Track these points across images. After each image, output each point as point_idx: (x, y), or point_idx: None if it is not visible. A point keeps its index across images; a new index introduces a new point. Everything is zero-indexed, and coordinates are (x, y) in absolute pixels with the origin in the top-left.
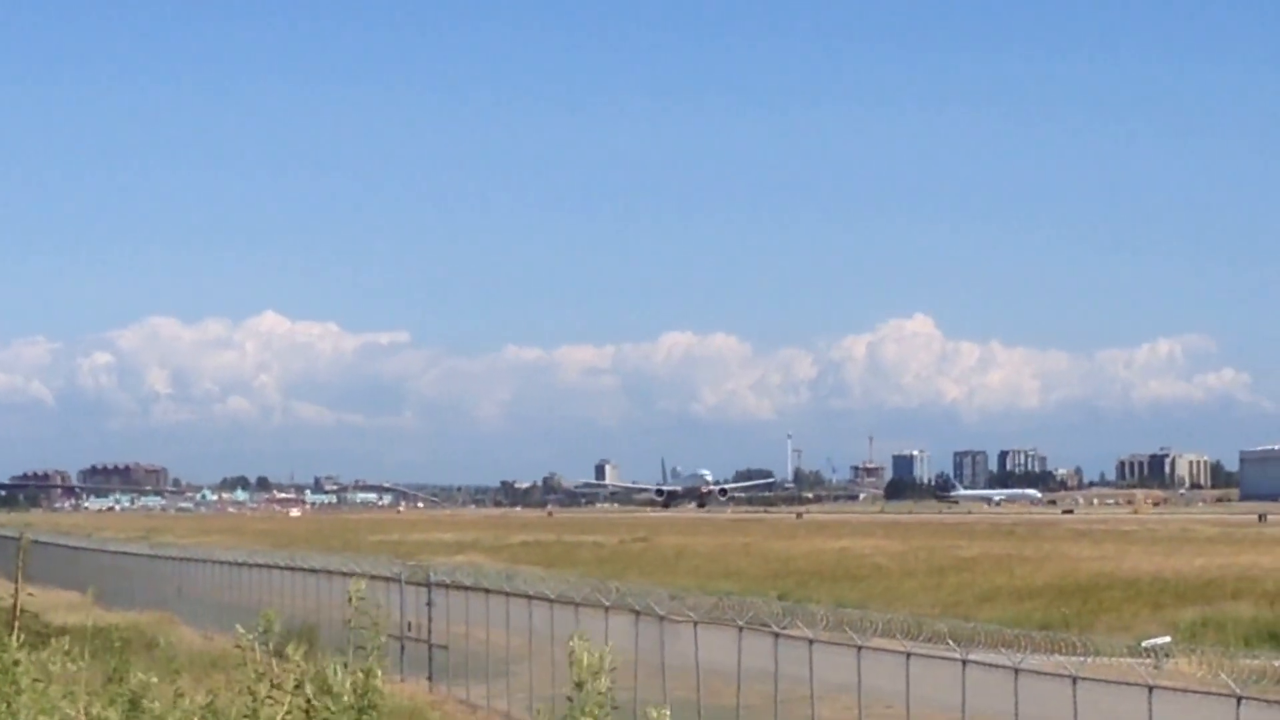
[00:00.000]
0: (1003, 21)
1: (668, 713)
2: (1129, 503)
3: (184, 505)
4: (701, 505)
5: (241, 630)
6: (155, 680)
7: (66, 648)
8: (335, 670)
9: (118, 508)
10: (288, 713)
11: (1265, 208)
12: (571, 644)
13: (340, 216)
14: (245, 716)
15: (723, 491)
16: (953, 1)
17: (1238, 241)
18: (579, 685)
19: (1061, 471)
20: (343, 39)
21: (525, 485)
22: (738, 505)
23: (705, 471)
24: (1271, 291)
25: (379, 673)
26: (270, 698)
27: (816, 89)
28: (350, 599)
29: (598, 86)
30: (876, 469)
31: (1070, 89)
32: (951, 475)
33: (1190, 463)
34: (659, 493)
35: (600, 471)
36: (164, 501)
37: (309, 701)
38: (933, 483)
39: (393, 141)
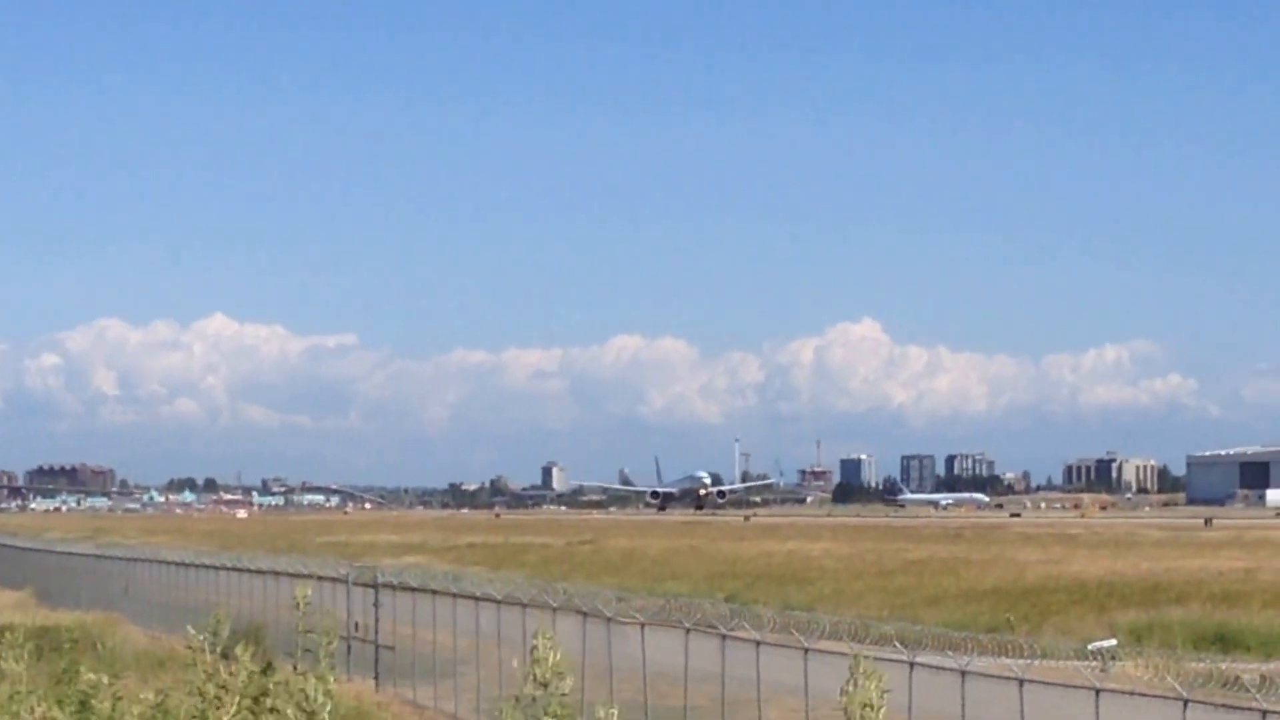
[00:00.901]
0: (950, 31)
1: (615, 712)
2: (1076, 507)
3: (131, 506)
4: (699, 508)
5: (193, 631)
6: (106, 681)
7: (11, 645)
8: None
9: (64, 508)
10: (236, 713)
11: (1212, 214)
12: (535, 641)
13: (288, 219)
14: (194, 717)
15: (721, 494)
16: (901, 11)
17: (1185, 248)
18: (543, 685)
19: (1009, 476)
20: (288, 42)
21: (472, 487)
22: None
23: (703, 473)
24: (1218, 297)
25: (331, 679)
26: (218, 699)
27: (767, 96)
28: (297, 604)
29: (547, 92)
30: (824, 472)
31: (1018, 96)
32: (899, 479)
33: (1137, 467)
34: (654, 495)
35: (547, 474)
36: (111, 502)
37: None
38: (880, 486)
39: (341, 145)
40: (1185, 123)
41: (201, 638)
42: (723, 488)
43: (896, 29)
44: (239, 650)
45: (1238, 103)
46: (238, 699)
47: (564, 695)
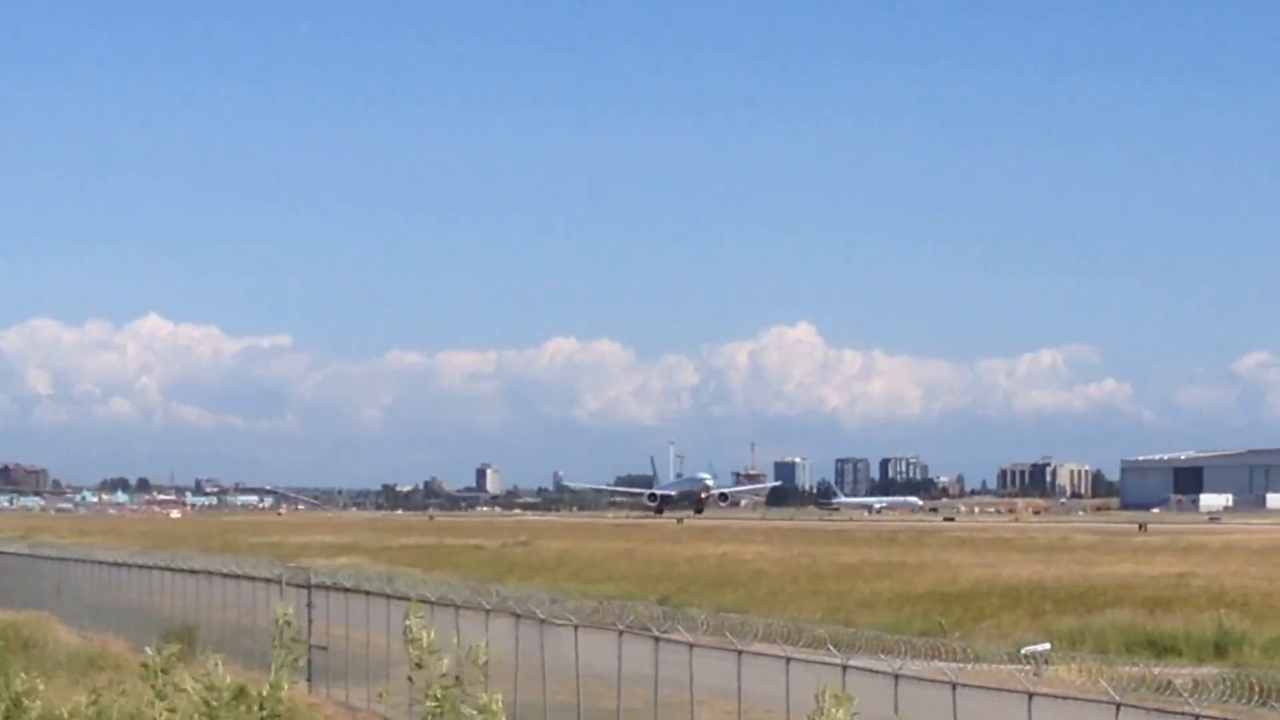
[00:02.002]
0: (885, 34)
1: (499, 697)
2: (1010, 511)
3: (64, 506)
4: (699, 511)
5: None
6: (41, 684)
7: None
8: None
9: None
10: (171, 710)
11: (1148, 219)
12: (408, 621)
13: (223, 220)
14: (131, 716)
15: (723, 496)
16: (836, 14)
17: (1120, 253)
18: (418, 666)
19: (943, 480)
20: (220, 42)
21: (406, 489)
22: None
23: (705, 475)
24: (1153, 303)
25: (285, 685)
26: (152, 701)
27: (703, 99)
28: (278, 621)
29: (479, 93)
30: (758, 475)
31: (954, 100)
32: (833, 482)
33: (1071, 472)
34: (651, 497)
35: (481, 476)
36: (43, 502)
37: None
38: (814, 490)
39: (275, 146)
40: (1120, 127)
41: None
42: (725, 490)
43: (832, 31)
44: (169, 649)
45: (1173, 107)
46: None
47: (443, 676)
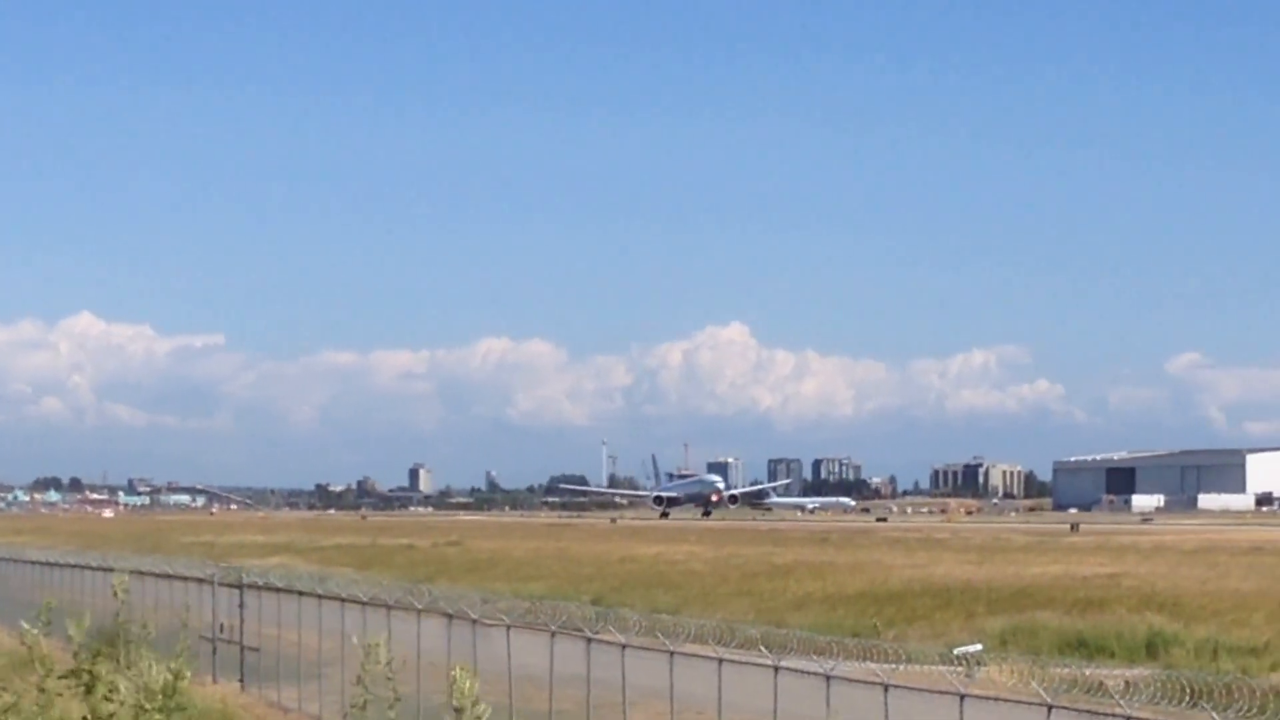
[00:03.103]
0: (815, 29)
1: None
2: (942, 511)
3: None
4: (706, 514)
5: (26, 626)
6: None
7: None
8: (150, 666)
9: None
10: (93, 709)
11: (1079, 219)
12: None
13: (156, 219)
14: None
15: (733, 499)
16: (765, 8)
17: (1052, 253)
18: (459, 711)
19: (875, 480)
20: (152, 38)
21: (339, 488)
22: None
23: (714, 476)
24: (1085, 303)
25: (187, 674)
26: (60, 695)
27: (637, 97)
28: (115, 592)
29: (412, 92)
30: (691, 475)
31: (887, 99)
32: (765, 482)
33: (1004, 472)
34: (657, 499)
35: (414, 476)
36: None
37: (118, 700)
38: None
39: (209, 144)
40: (1052, 127)
41: (35, 631)
42: (734, 491)
43: (764, 30)
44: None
45: (1105, 107)
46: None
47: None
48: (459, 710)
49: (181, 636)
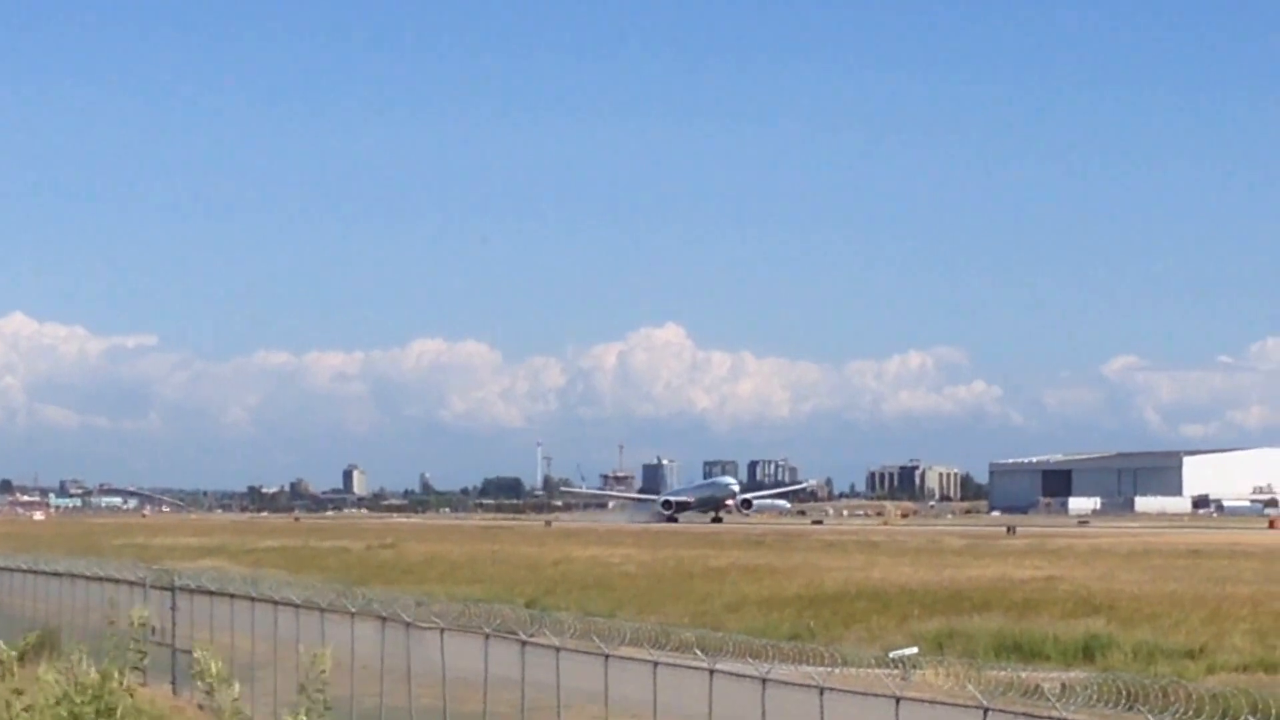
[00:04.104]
0: (749, 29)
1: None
2: (879, 514)
3: None
4: (717, 520)
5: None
6: None
7: None
8: (83, 661)
9: None
10: (25, 709)
11: (1016, 221)
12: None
13: (89, 218)
14: None
15: (746, 504)
16: (697, 8)
17: (989, 254)
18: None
19: (812, 482)
20: (74, 36)
21: (272, 490)
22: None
23: (729, 479)
24: (1022, 305)
25: (115, 674)
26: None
27: (572, 96)
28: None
29: (340, 93)
30: (626, 477)
31: (821, 98)
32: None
33: (940, 475)
34: (665, 504)
35: (348, 478)
36: None
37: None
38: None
39: (142, 144)
40: (986, 127)
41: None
42: (748, 496)
43: (697, 29)
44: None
45: (1039, 106)
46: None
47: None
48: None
49: (112, 637)
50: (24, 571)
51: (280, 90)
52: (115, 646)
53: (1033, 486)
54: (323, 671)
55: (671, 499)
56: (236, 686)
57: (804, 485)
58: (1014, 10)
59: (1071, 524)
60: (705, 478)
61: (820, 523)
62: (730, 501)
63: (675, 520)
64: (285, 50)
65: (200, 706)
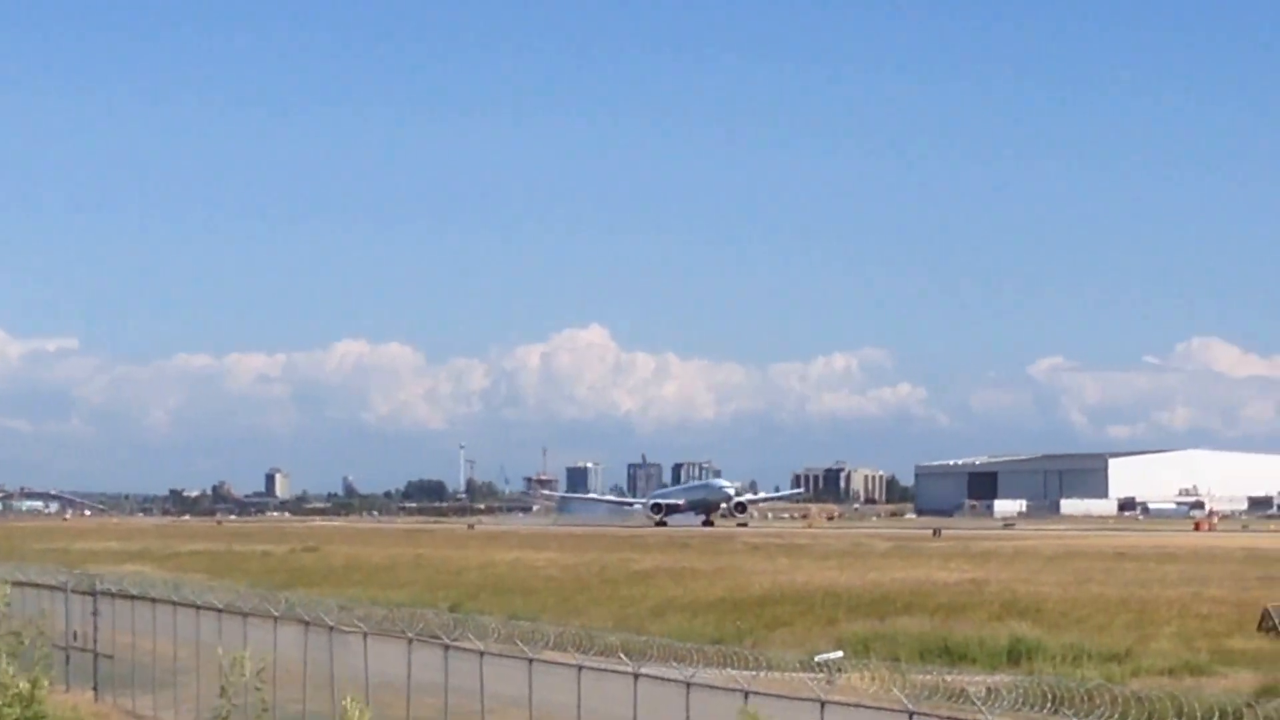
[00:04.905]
0: (669, 28)
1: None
2: (804, 516)
3: None
4: (708, 523)
5: None
6: None
7: None
8: (6, 668)
9: None
10: None
11: (942, 222)
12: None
13: (7, 221)
14: None
15: (740, 507)
16: (617, 7)
17: (914, 256)
18: None
19: (736, 484)
20: (14, 38)
21: (195, 494)
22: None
23: (724, 481)
24: (947, 306)
25: (45, 683)
26: None
27: (492, 96)
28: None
29: (264, 91)
30: (550, 480)
31: (742, 98)
32: (625, 487)
33: (865, 477)
34: (655, 507)
35: (270, 481)
36: None
37: None
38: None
39: (59, 144)
40: (912, 126)
41: None
42: (743, 499)
43: (618, 26)
44: None
45: (966, 103)
46: None
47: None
48: None
49: (38, 644)
50: None
51: (196, 90)
52: (41, 655)
53: (958, 489)
54: (261, 670)
55: (661, 502)
56: None
57: (797, 492)
58: (933, 8)
59: (997, 526)
60: (630, 481)
61: (745, 525)
62: (727, 504)
63: (665, 524)
64: (195, 48)
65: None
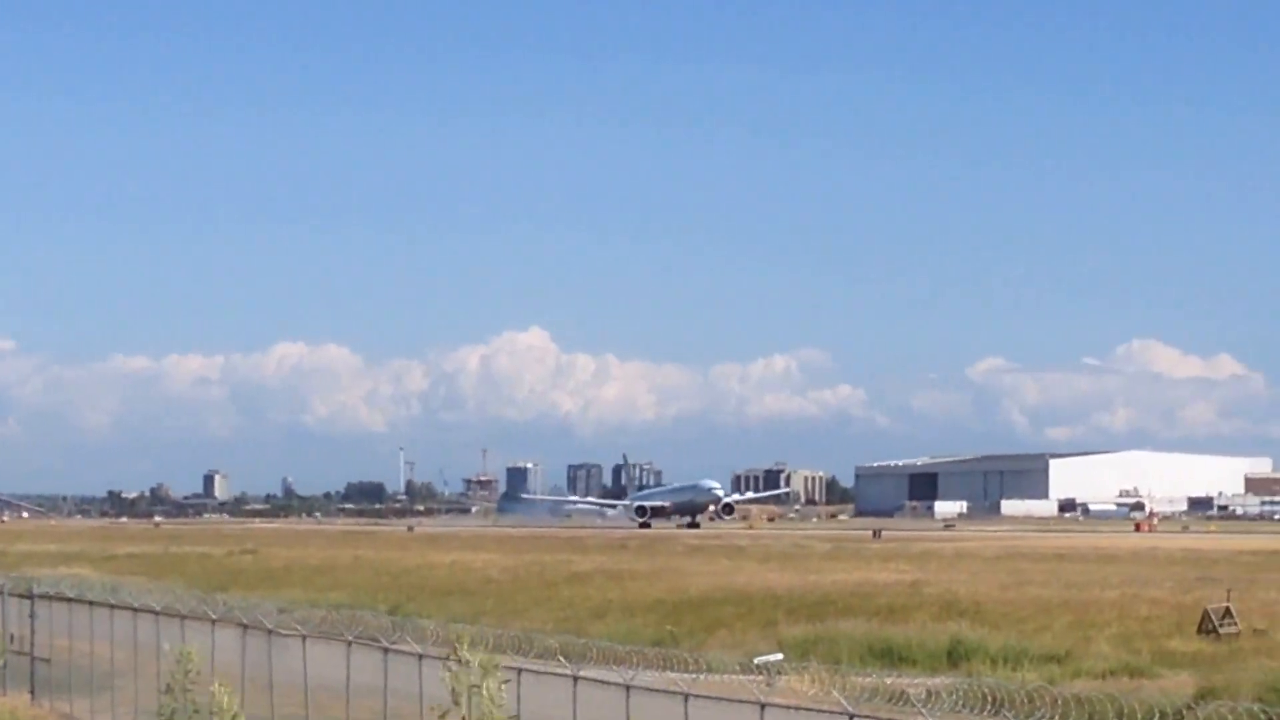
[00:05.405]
0: (610, 30)
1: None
2: (744, 518)
3: None
4: (693, 525)
5: None
6: None
7: None
8: None
9: None
10: None
11: (880, 223)
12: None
13: None
14: None
15: (727, 509)
16: (560, 10)
17: (853, 257)
18: None
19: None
20: None
21: (133, 495)
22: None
23: (712, 482)
24: (887, 307)
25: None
26: None
27: (426, 96)
28: None
29: (198, 93)
30: (490, 482)
31: (685, 100)
32: (566, 488)
33: (805, 478)
34: (640, 510)
35: (209, 483)
36: None
37: None
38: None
39: None
40: (852, 128)
41: None
42: (729, 500)
43: (558, 28)
44: None
45: (902, 106)
46: None
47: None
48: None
49: None
50: None
51: (134, 90)
52: None
53: (898, 490)
54: (195, 672)
55: (646, 504)
56: None
57: (786, 490)
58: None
59: (937, 527)
60: (570, 483)
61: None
62: (715, 506)
63: (649, 526)
64: (135, 49)
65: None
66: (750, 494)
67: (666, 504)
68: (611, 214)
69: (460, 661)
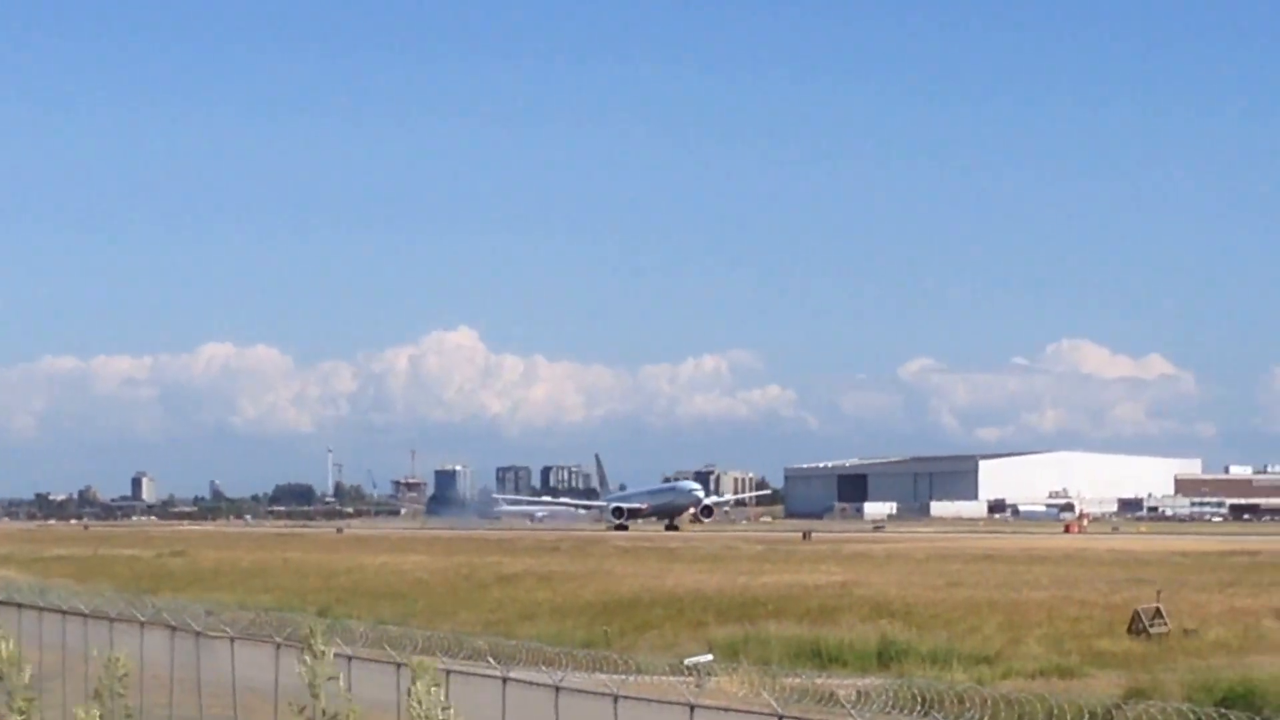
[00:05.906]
0: (547, 30)
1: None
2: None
3: None
4: (672, 527)
5: None
6: None
7: None
8: None
9: None
10: None
11: (811, 224)
12: None
13: None
14: None
15: (706, 511)
16: (503, 10)
17: (782, 257)
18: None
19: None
20: None
21: (61, 498)
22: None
23: (692, 484)
24: (816, 308)
25: None
26: None
27: (356, 99)
28: None
29: (133, 92)
30: (418, 484)
31: (618, 100)
32: (495, 490)
33: (735, 479)
34: (616, 511)
35: (138, 485)
36: None
37: None
38: (476, 498)
39: None
40: (781, 129)
41: None
42: (709, 502)
43: (479, 31)
44: None
45: (833, 108)
46: None
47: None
48: None
49: None
50: None
51: (54, 92)
52: None
53: (828, 491)
54: (124, 675)
55: (622, 505)
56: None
57: (763, 493)
58: (799, 8)
59: (867, 529)
60: (499, 484)
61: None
62: (698, 508)
63: (625, 528)
64: (81, 47)
65: None
66: (738, 496)
67: (644, 506)
68: (540, 214)
69: (316, 655)
